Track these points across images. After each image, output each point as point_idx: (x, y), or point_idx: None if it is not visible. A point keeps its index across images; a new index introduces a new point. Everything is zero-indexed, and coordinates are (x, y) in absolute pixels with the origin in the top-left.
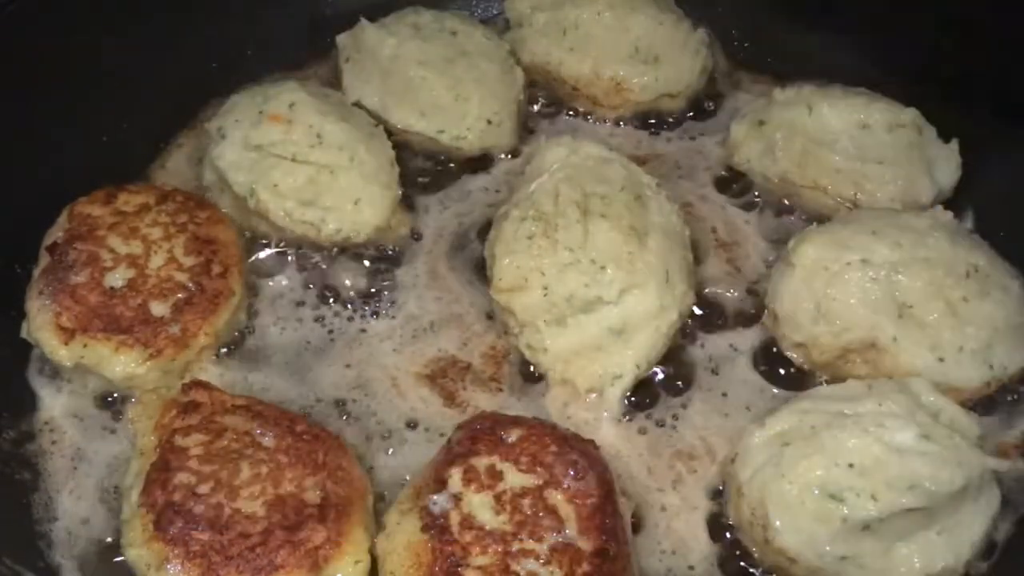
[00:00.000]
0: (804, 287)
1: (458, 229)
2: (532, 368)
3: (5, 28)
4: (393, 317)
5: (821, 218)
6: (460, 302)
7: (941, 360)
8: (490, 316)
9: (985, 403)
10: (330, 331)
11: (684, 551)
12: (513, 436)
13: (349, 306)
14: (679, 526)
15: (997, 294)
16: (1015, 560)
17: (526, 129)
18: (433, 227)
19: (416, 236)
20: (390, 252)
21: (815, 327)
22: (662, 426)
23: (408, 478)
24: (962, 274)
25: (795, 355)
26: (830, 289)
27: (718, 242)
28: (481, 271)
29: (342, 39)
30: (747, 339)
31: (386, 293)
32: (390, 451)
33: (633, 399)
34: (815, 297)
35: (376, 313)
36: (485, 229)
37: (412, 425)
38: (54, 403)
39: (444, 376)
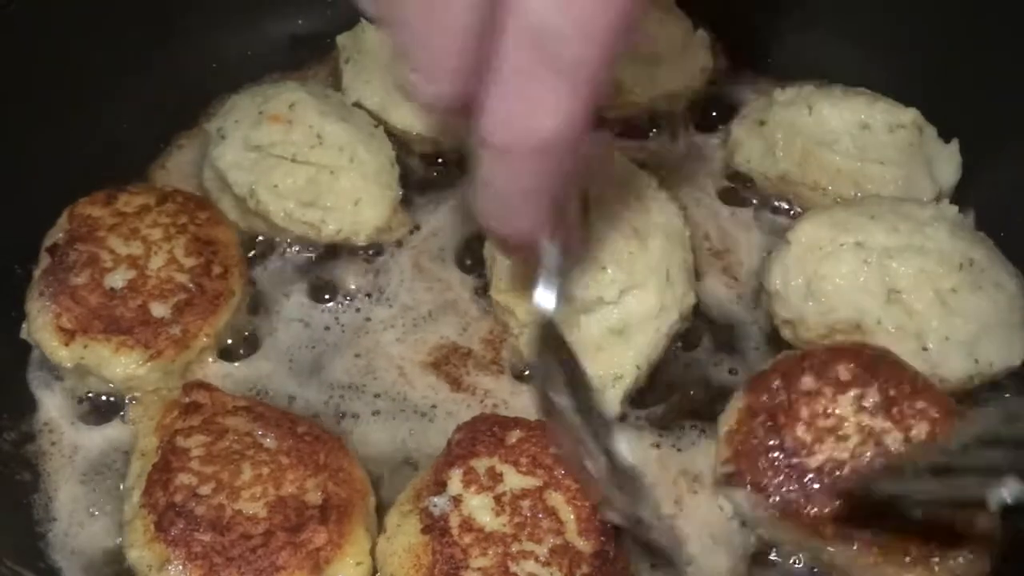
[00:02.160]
0: (797, 265)
1: (457, 228)
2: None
3: (5, 28)
4: (391, 307)
5: None
6: (453, 289)
7: (925, 349)
8: (487, 309)
9: (968, 399)
10: (329, 328)
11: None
12: (513, 437)
13: (348, 303)
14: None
15: (990, 290)
16: (1015, 561)
17: None
18: (431, 223)
19: (412, 232)
20: (378, 250)
21: (804, 305)
22: (657, 428)
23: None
24: (956, 266)
25: (785, 332)
26: (821, 268)
27: (711, 250)
28: (465, 263)
29: (342, 39)
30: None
31: (380, 288)
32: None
33: (632, 401)
34: (806, 275)
35: (374, 307)
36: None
37: (433, 407)
38: (54, 404)
39: (447, 363)
